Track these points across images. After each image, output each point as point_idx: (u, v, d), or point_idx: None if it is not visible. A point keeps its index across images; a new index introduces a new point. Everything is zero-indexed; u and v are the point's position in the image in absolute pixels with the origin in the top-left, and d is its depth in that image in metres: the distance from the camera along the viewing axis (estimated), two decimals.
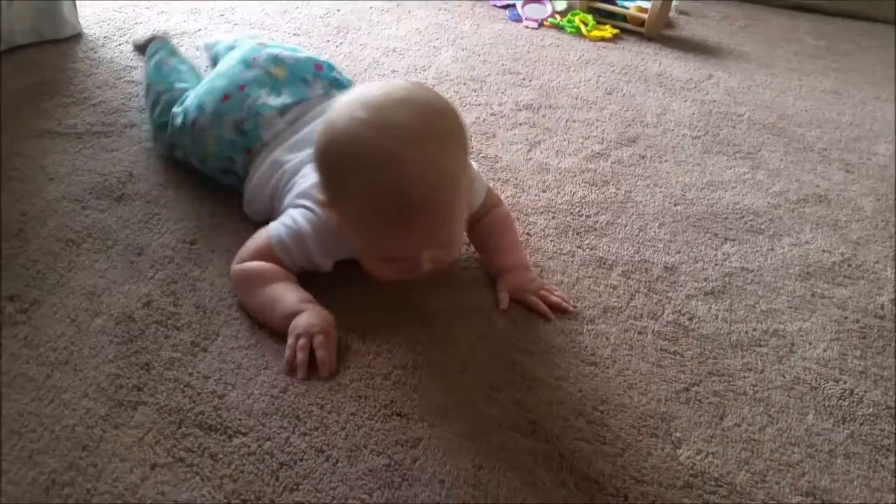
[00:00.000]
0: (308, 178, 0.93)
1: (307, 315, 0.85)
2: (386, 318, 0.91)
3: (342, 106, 0.81)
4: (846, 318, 1.01)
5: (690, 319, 0.97)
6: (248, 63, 1.06)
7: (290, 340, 0.84)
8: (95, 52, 1.44)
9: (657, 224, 1.16)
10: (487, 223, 1.01)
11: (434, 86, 1.49)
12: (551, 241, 1.09)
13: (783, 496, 0.76)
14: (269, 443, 0.75)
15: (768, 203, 1.25)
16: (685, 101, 1.58)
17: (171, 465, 0.72)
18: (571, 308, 0.96)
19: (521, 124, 1.40)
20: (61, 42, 1.45)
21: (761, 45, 1.98)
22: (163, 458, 0.73)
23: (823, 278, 1.09)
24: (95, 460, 0.72)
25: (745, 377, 0.90)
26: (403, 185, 0.76)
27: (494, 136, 1.35)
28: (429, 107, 0.81)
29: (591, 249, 1.08)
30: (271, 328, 0.87)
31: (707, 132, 1.46)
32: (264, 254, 0.91)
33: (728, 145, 1.42)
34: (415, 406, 0.81)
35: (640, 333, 0.94)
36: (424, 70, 1.56)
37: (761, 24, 2.14)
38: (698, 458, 0.79)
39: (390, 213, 0.78)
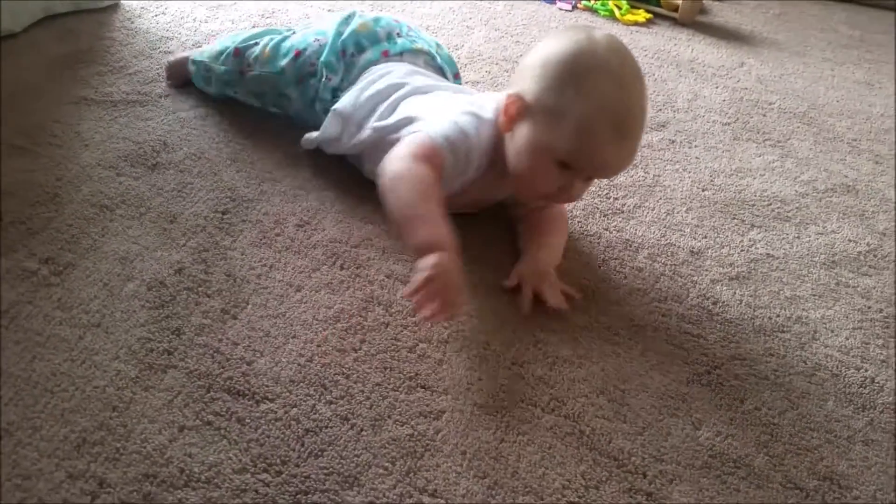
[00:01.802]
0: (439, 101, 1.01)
1: (449, 258, 0.82)
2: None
3: (576, 30, 0.92)
4: (870, 307, 1.01)
5: (714, 304, 0.98)
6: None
7: (424, 274, 0.80)
8: (132, 23, 1.45)
9: (685, 209, 1.16)
10: (545, 217, 1.03)
11: (466, 65, 1.49)
12: (578, 222, 1.09)
13: (800, 479, 0.77)
14: (295, 409, 0.77)
15: (796, 191, 1.25)
16: (716, 87, 1.57)
17: (198, 428, 0.74)
18: (565, 307, 0.92)
19: None
20: (99, 11, 1.47)
21: (794, 34, 1.95)
22: (191, 421, 0.74)
23: (848, 267, 1.08)
24: (125, 421, 0.74)
25: (766, 362, 0.90)
26: (630, 108, 0.88)
27: None
28: (629, 52, 0.92)
29: (618, 232, 1.09)
30: (401, 237, 0.91)
31: (737, 119, 1.45)
32: (425, 152, 0.91)
33: (758, 133, 1.41)
34: (439, 379, 0.82)
35: (664, 316, 0.95)
36: (457, 49, 1.56)
37: (795, 13, 2.11)
38: (717, 439, 0.80)
39: (614, 126, 0.87)
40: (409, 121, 0.99)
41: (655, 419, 0.81)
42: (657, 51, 1.69)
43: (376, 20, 1.15)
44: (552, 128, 0.89)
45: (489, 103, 0.98)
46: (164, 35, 1.42)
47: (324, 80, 1.11)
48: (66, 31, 1.39)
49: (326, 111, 1.08)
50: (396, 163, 0.90)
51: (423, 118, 0.98)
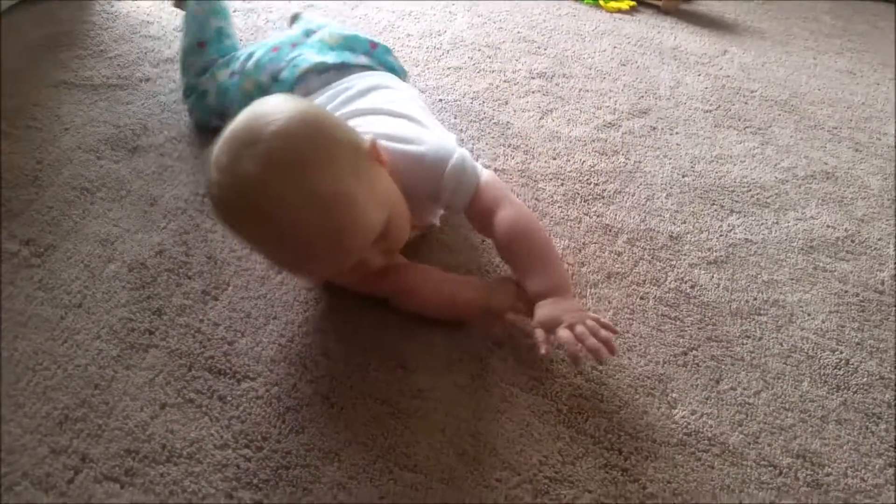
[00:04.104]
0: None
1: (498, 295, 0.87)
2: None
3: (210, 162, 0.73)
4: (846, 291, 1.03)
5: (692, 287, 0.99)
6: (308, 33, 1.10)
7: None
8: (112, 7, 1.44)
9: (665, 194, 1.17)
10: (506, 237, 0.87)
11: (448, 51, 1.49)
12: (559, 207, 1.10)
13: (774, 457, 0.78)
14: (276, 388, 0.77)
15: (776, 178, 1.26)
16: (699, 75, 1.58)
17: (180, 406, 0.74)
18: (607, 355, 0.76)
19: (534, 92, 1.40)
20: None
21: (778, 23, 1.96)
22: (173, 399, 0.75)
23: (826, 252, 1.10)
24: (107, 398, 0.74)
25: (743, 344, 0.91)
26: (280, 235, 0.70)
27: (507, 103, 1.35)
28: (292, 132, 0.71)
29: (598, 217, 1.10)
30: (460, 320, 0.87)
31: (719, 106, 1.46)
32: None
33: (739, 120, 1.43)
34: (419, 359, 0.83)
35: (641, 299, 0.96)
36: (439, 35, 1.57)
37: (779, 2, 2.13)
38: (693, 417, 0.81)
39: (284, 260, 0.75)
40: None
41: (632, 398, 0.82)
42: (640, 38, 1.70)
43: (257, 66, 1.05)
44: None
45: None
46: (145, 19, 1.41)
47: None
48: (45, 15, 1.38)
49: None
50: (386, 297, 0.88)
51: None
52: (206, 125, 1.11)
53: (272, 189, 0.68)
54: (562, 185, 1.15)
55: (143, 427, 0.72)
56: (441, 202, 0.89)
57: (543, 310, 0.81)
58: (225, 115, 1.02)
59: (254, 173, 0.68)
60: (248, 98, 1.00)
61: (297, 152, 0.70)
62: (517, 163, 1.17)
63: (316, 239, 0.70)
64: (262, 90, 1.03)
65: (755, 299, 0.99)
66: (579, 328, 0.77)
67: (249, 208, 0.69)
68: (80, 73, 1.22)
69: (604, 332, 0.77)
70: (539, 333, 0.78)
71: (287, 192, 0.68)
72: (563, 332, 0.77)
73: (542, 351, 0.77)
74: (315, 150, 0.71)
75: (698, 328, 0.93)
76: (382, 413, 0.76)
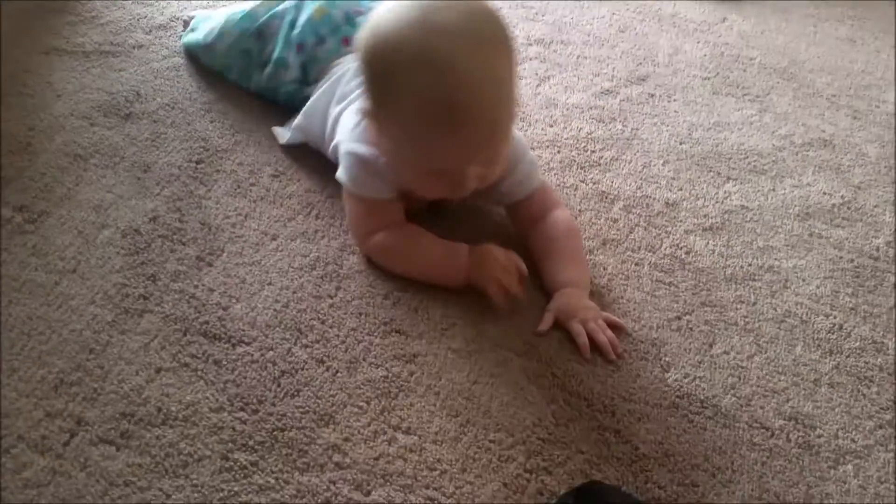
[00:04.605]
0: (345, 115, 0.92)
1: (487, 255, 0.85)
2: None
3: (387, 8, 0.77)
4: (841, 257, 1.03)
5: (687, 253, 0.99)
6: None
7: (493, 285, 0.84)
8: None
9: (661, 161, 1.16)
10: (547, 230, 0.92)
11: None
12: (555, 174, 1.10)
13: (766, 419, 0.79)
14: (271, 352, 0.77)
15: (773, 145, 1.26)
16: (698, 42, 1.57)
17: (175, 370, 0.75)
18: (613, 357, 0.82)
19: (531, 59, 1.39)
20: None
21: None
22: (168, 363, 0.75)
23: (822, 219, 1.10)
24: (102, 363, 0.74)
25: (737, 309, 0.92)
26: (456, 92, 0.72)
27: None
28: (478, 11, 0.77)
29: (594, 184, 1.09)
30: (451, 284, 0.87)
31: (717, 74, 1.45)
32: (358, 208, 0.89)
33: (737, 88, 1.42)
34: (414, 324, 0.83)
35: (636, 265, 0.96)
36: None
37: None
38: (686, 381, 0.81)
39: (442, 120, 0.74)
40: (336, 149, 0.93)
41: (625, 362, 0.83)
42: (639, 5, 1.68)
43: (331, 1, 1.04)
44: (389, 138, 0.81)
45: None
46: None
47: (280, 75, 1.05)
48: None
49: (290, 99, 1.06)
50: (368, 248, 0.89)
51: (341, 152, 0.90)
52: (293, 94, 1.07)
53: (465, 52, 0.73)
54: (558, 152, 1.14)
55: (138, 391, 0.72)
56: (503, 185, 0.91)
57: (563, 298, 0.86)
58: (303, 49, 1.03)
59: (456, 25, 0.73)
60: (314, 24, 1.02)
61: (486, 31, 0.76)
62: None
63: (486, 112, 0.75)
64: (334, 25, 1.01)
65: (750, 265, 0.99)
66: (591, 324, 0.83)
67: (454, 41, 0.73)
68: (72, 40, 1.20)
69: (610, 332, 0.83)
70: (548, 318, 0.85)
71: (475, 58, 0.73)
72: (576, 326, 0.83)
73: (542, 328, 0.84)
74: (499, 36, 0.78)
75: (692, 293, 0.93)
76: (377, 377, 0.77)
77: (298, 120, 1.01)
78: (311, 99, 1.00)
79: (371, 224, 0.88)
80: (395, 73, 0.75)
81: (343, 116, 0.93)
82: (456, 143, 0.76)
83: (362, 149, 0.87)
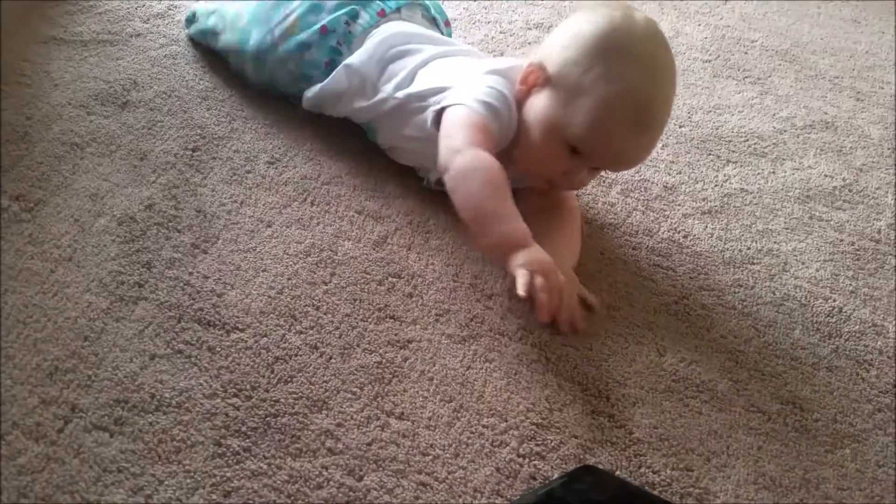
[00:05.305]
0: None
1: (541, 254, 0.81)
2: (382, 228, 0.93)
3: (616, 6, 0.89)
4: (842, 240, 1.02)
5: (685, 237, 0.98)
6: None
7: (530, 279, 0.78)
8: None
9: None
10: (559, 210, 0.94)
11: (442, 3, 1.47)
12: None
13: (763, 403, 0.79)
14: (265, 339, 0.78)
15: (774, 128, 1.25)
16: (699, 24, 1.55)
17: (170, 356, 0.75)
18: (566, 332, 0.82)
19: (530, 43, 1.38)
20: None
21: None
22: (162, 350, 0.75)
23: (823, 202, 1.09)
24: (96, 350, 0.74)
25: (735, 293, 0.91)
26: (657, 98, 0.85)
27: (503, 54, 1.33)
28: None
29: None
30: (474, 235, 0.86)
31: (718, 56, 1.44)
32: (476, 132, 0.86)
33: (738, 70, 1.40)
34: (408, 310, 0.83)
35: (634, 249, 0.96)
36: None
37: None
38: (682, 365, 0.81)
39: (638, 111, 0.83)
40: (437, 90, 0.93)
41: (621, 347, 0.82)
42: None
43: None
44: (569, 106, 0.85)
45: (513, 69, 0.93)
46: None
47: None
48: None
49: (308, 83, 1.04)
50: (459, 157, 0.84)
51: (452, 86, 0.92)
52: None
53: (669, 72, 0.87)
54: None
55: (132, 377, 0.72)
56: None
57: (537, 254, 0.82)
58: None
59: (666, 49, 0.88)
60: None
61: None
62: None
63: (660, 126, 0.88)
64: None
65: (749, 248, 0.98)
66: (553, 278, 0.79)
67: (660, 54, 0.87)
68: (70, 29, 1.20)
69: (574, 300, 0.82)
70: (521, 273, 0.79)
71: (672, 81, 0.88)
72: (539, 280, 0.78)
73: (521, 291, 0.78)
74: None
75: (690, 277, 0.92)
76: (370, 363, 0.77)
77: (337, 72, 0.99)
78: (356, 53, 0.99)
79: (477, 137, 0.86)
80: (616, 59, 0.83)
81: (463, 77, 0.93)
82: (630, 140, 0.85)
83: (507, 90, 0.90)
